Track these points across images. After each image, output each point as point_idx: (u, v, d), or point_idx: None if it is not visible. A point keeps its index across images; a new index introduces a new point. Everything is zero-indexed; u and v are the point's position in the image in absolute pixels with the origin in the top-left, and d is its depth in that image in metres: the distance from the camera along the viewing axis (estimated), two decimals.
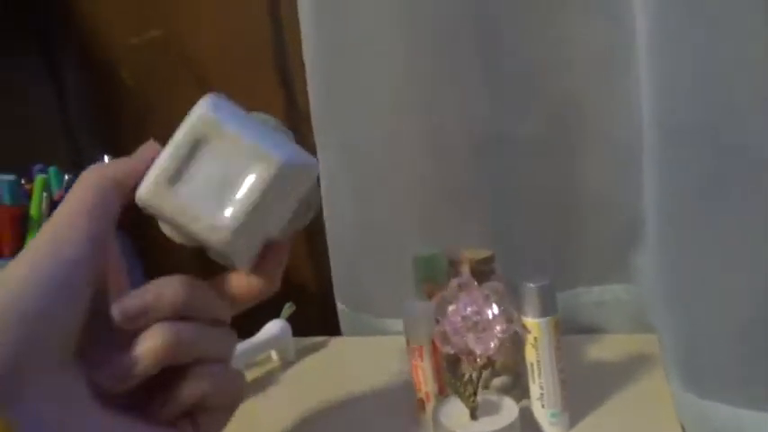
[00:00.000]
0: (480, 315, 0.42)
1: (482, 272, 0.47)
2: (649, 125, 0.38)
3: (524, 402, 0.45)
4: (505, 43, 0.54)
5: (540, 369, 0.42)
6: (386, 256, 0.61)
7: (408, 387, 0.48)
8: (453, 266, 0.49)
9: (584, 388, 0.47)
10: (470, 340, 0.41)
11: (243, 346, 0.59)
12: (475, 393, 0.42)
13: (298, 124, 0.74)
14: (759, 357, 0.35)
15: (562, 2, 0.52)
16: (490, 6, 0.53)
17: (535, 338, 0.42)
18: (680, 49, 0.34)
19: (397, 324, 0.50)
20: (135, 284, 0.32)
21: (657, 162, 0.38)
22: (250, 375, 0.63)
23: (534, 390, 0.43)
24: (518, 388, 0.47)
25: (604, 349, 0.56)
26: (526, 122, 0.56)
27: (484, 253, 0.49)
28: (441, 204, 0.60)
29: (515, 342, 0.47)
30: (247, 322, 0.61)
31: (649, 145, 0.39)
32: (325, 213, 0.67)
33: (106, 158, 0.67)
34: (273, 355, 0.64)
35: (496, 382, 0.48)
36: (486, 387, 0.48)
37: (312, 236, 0.76)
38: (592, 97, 0.54)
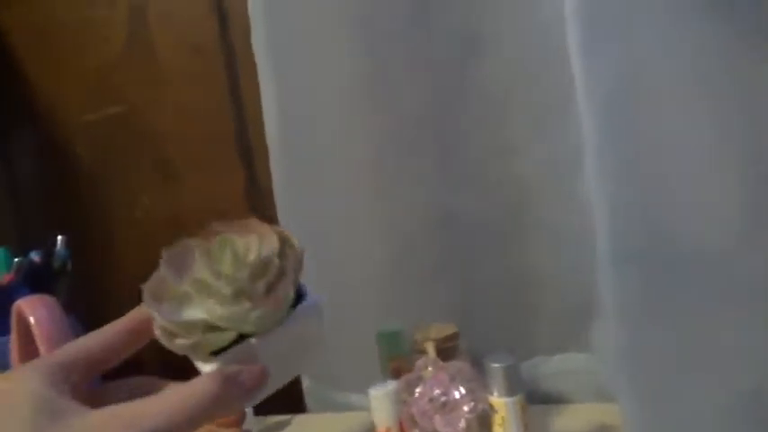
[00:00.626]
0: (447, 396, 0.42)
1: (447, 349, 0.48)
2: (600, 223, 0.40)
3: None
4: (462, 130, 0.57)
5: None
6: (350, 332, 0.61)
7: None
8: (418, 345, 0.49)
9: None
10: (438, 422, 0.41)
11: None
12: None
13: (259, 201, 0.74)
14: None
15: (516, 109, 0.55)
16: (451, 100, 0.56)
17: (502, 418, 0.42)
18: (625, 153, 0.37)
19: (363, 399, 0.49)
20: None
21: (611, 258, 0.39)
22: None
23: None
24: None
25: (566, 420, 0.56)
26: (480, 204, 0.59)
27: (448, 330, 0.50)
28: (401, 281, 0.61)
29: (481, 417, 0.47)
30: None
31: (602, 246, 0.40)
32: None
33: (59, 239, 0.66)
34: None
35: None
36: None
37: None
38: (543, 185, 0.57)
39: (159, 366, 0.78)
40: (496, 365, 0.42)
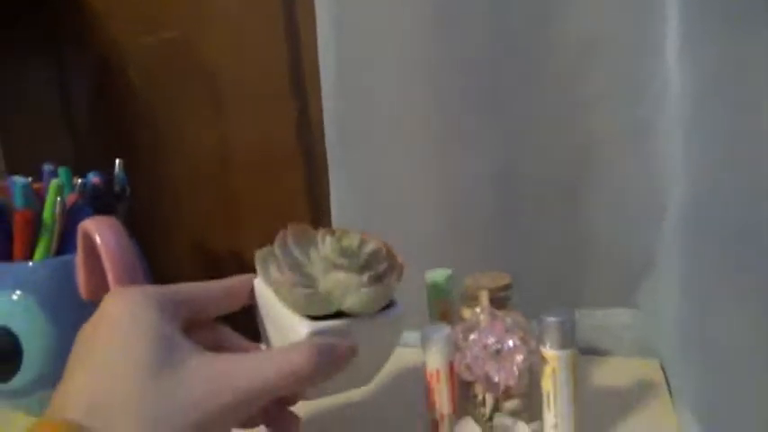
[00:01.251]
0: (501, 344, 0.43)
1: (499, 299, 0.48)
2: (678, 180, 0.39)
3: (534, 426, 0.46)
4: (529, 82, 0.55)
5: (555, 399, 0.43)
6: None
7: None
8: (469, 292, 0.50)
9: (591, 412, 0.49)
10: (491, 369, 0.43)
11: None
12: (491, 417, 0.44)
13: (309, 135, 0.75)
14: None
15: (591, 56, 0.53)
16: (519, 49, 0.54)
17: (553, 370, 0.43)
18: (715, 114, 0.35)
19: (413, 336, 0.50)
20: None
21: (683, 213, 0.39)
22: None
23: (549, 418, 0.44)
24: (528, 411, 0.49)
25: (608, 372, 0.58)
26: (542, 159, 0.58)
27: (501, 279, 0.50)
28: (455, 231, 0.61)
29: (528, 367, 0.48)
30: (249, 323, 0.61)
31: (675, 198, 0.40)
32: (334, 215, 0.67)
33: (117, 162, 0.67)
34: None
35: (508, 405, 0.49)
36: (497, 409, 0.49)
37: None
38: (610, 142, 0.55)
39: None
40: (552, 319, 0.43)
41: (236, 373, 0.32)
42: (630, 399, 0.52)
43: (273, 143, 0.77)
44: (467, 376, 0.43)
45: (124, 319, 0.33)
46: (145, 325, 0.32)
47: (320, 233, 0.45)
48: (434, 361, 0.47)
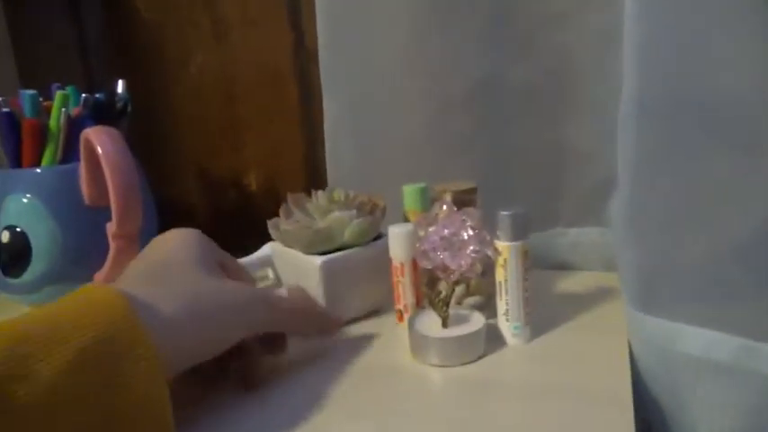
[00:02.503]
0: (457, 236, 0.46)
1: (463, 201, 0.51)
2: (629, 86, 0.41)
3: (494, 321, 0.50)
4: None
5: (506, 287, 0.47)
6: (381, 190, 0.65)
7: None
8: (435, 195, 0.53)
9: (549, 312, 0.53)
10: (446, 258, 0.46)
11: (243, 260, 0.64)
12: (447, 305, 0.47)
13: (305, 61, 0.78)
14: (703, 282, 0.39)
15: None
16: None
17: (504, 260, 0.46)
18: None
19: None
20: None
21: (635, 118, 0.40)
22: None
23: (501, 306, 0.48)
24: (489, 308, 0.52)
25: (572, 283, 0.61)
26: (521, 72, 0.60)
27: (467, 185, 0.53)
28: (434, 144, 0.64)
29: (489, 267, 0.52)
30: (245, 242, 0.66)
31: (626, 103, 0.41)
32: (327, 153, 0.71)
33: (120, 83, 0.71)
34: (270, 273, 0.70)
35: (470, 301, 0.53)
36: (459, 304, 0.53)
37: (316, 170, 0.81)
38: (587, 56, 0.57)
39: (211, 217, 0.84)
40: (505, 213, 0.46)
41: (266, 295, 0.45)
42: (587, 302, 0.55)
43: (272, 69, 0.81)
44: (425, 264, 0.47)
45: (190, 238, 0.44)
46: (204, 247, 0.44)
47: (314, 194, 0.57)
48: (398, 255, 0.51)
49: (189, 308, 0.36)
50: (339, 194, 0.55)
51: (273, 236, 0.56)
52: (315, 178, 0.82)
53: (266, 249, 0.66)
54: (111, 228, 0.57)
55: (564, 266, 0.66)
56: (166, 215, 0.79)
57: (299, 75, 0.79)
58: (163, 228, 0.77)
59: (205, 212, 0.90)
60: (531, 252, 0.47)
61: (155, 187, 0.72)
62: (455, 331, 0.46)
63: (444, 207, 0.47)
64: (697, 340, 0.39)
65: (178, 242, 0.43)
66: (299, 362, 0.49)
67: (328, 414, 0.40)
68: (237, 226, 0.87)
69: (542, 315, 0.51)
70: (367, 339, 0.52)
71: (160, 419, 0.32)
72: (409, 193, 0.57)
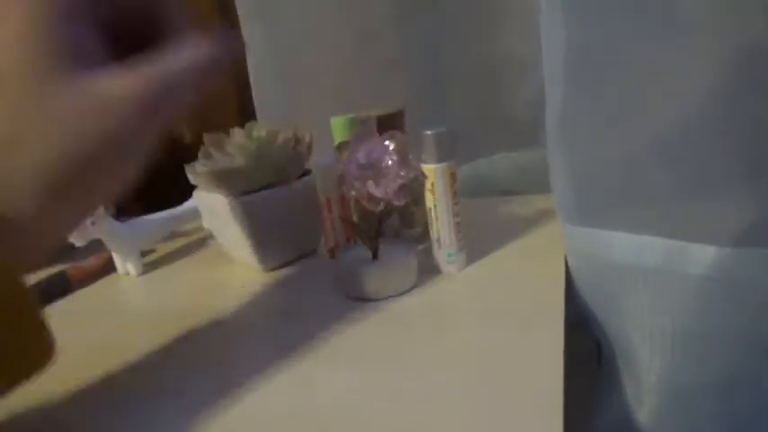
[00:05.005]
0: (381, 162, 0.43)
1: (390, 126, 0.48)
2: None
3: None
4: None
5: (436, 213, 0.44)
6: (308, 122, 0.62)
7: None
8: (361, 122, 0.50)
9: (486, 238, 0.51)
10: (370, 186, 0.43)
11: (171, 213, 0.61)
12: (376, 236, 0.45)
13: (225, 3, 0.72)
14: (631, 187, 0.37)
15: None
16: None
17: (432, 184, 0.44)
18: None
19: None
20: None
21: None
22: (180, 243, 0.66)
23: (433, 233, 0.46)
24: (427, 239, 0.50)
25: (513, 208, 0.59)
26: None
27: (392, 108, 0.50)
28: (361, 69, 0.60)
29: (412, 183, 0.49)
30: (183, 199, 0.62)
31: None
32: (254, 95, 0.67)
33: None
34: (204, 223, 0.66)
35: (407, 233, 0.51)
36: (398, 236, 0.51)
37: (253, 115, 0.77)
38: None
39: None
40: (428, 132, 0.43)
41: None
42: (526, 225, 0.53)
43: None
44: (349, 194, 0.44)
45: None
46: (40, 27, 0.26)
47: (232, 132, 0.52)
48: (324, 189, 0.48)
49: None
50: (259, 130, 0.52)
51: (192, 180, 0.52)
52: (242, 107, 0.77)
53: (192, 200, 0.63)
54: None
55: (511, 192, 0.64)
56: None
57: (222, 11, 0.74)
58: None
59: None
60: (474, 180, 0.45)
61: None
62: (385, 263, 0.44)
63: (364, 131, 0.44)
64: (627, 247, 0.37)
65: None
66: (227, 309, 0.46)
67: (259, 359, 0.38)
68: (173, 179, 0.83)
69: (479, 242, 0.49)
70: (297, 281, 0.49)
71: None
72: (337, 124, 0.54)
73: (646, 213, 0.36)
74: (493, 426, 0.28)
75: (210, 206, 0.52)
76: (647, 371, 0.37)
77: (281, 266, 0.53)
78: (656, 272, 0.35)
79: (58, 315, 0.51)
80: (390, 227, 0.50)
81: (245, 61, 0.67)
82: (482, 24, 0.59)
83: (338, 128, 0.54)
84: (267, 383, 0.35)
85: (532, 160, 0.63)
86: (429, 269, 0.46)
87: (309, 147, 0.53)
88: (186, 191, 0.63)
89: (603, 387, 0.45)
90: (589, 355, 0.49)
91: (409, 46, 0.60)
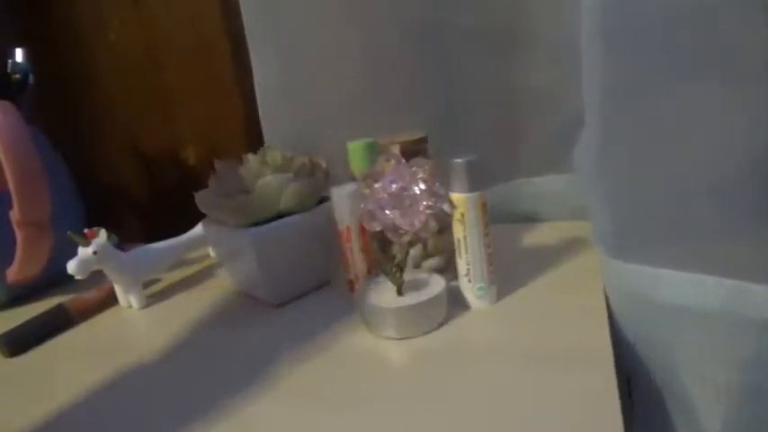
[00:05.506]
0: (407, 191, 0.41)
1: (414, 152, 0.46)
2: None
3: (456, 283, 0.45)
4: None
5: (466, 245, 0.42)
6: (322, 149, 0.59)
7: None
8: (383, 149, 0.47)
9: (515, 269, 0.48)
10: (396, 217, 0.40)
11: (177, 241, 0.58)
12: (401, 270, 0.42)
13: (231, 21, 0.70)
14: (679, 223, 0.35)
15: None
16: None
17: (462, 214, 0.41)
18: None
19: None
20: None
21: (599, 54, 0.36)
22: (187, 272, 0.62)
23: (461, 266, 0.43)
24: (450, 269, 0.47)
25: (540, 236, 0.56)
26: (469, 14, 0.54)
27: (416, 134, 0.48)
28: (379, 96, 0.58)
29: (446, 224, 0.46)
30: (188, 221, 0.59)
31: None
32: (262, 117, 0.64)
33: (18, 51, 0.62)
34: (211, 251, 0.63)
35: (429, 263, 0.48)
36: (417, 267, 0.48)
37: (260, 138, 0.74)
38: None
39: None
40: (458, 160, 0.41)
41: None
42: (557, 255, 0.50)
43: (198, 29, 0.73)
44: (373, 225, 0.41)
45: None
46: None
47: (245, 158, 0.50)
48: (343, 218, 0.45)
49: None
50: (274, 156, 0.49)
51: (202, 208, 0.49)
52: (259, 147, 0.75)
53: (199, 228, 0.60)
54: (14, 215, 0.50)
55: (529, 219, 0.61)
56: (102, 199, 0.71)
57: (229, 34, 0.71)
58: (92, 213, 0.70)
59: (142, 193, 0.82)
60: (494, 206, 0.42)
61: (86, 171, 0.64)
62: (412, 298, 0.41)
63: (391, 160, 0.41)
64: (678, 285, 0.34)
65: None
66: (247, 348, 0.43)
67: (270, 405, 0.35)
68: (178, 204, 0.80)
69: (508, 273, 0.46)
70: (316, 316, 0.46)
71: None
72: (355, 150, 0.51)
73: (701, 252, 0.33)
74: None
75: (219, 236, 0.49)
76: (709, 421, 0.34)
77: (294, 299, 0.49)
78: (713, 314, 0.33)
79: (56, 350, 0.48)
80: (411, 257, 0.47)
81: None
82: (502, 52, 0.57)
83: (356, 153, 0.51)
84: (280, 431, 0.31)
85: (554, 186, 0.60)
86: (457, 304, 0.43)
87: (326, 174, 0.50)
88: (192, 215, 0.60)
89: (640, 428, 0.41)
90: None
91: (425, 72, 0.58)
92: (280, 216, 0.47)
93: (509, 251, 0.53)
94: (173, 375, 0.40)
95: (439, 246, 0.48)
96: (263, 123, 0.64)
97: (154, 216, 0.81)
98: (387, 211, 0.40)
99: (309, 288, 0.50)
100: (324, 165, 0.50)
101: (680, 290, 0.34)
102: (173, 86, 0.76)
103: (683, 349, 0.35)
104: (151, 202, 0.82)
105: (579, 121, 0.53)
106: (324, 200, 0.50)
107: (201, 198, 0.48)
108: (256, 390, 0.37)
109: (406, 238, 0.41)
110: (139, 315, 0.53)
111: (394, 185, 0.41)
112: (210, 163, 0.82)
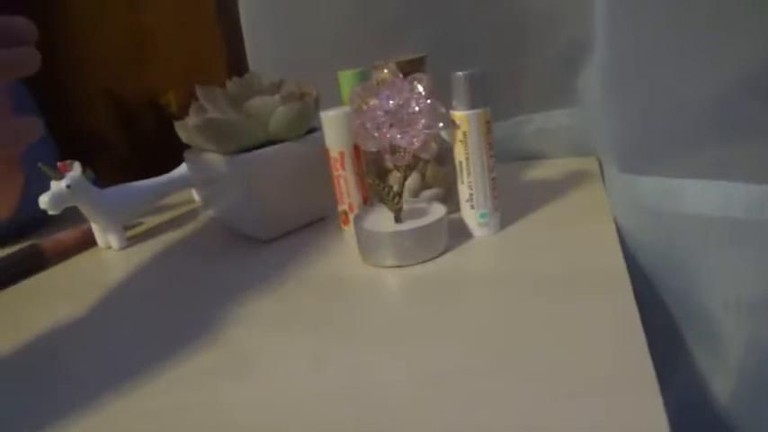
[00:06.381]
0: (405, 108, 0.37)
1: (411, 73, 0.42)
2: None
3: (457, 215, 0.42)
4: None
5: (468, 167, 0.39)
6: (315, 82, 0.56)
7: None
8: (377, 72, 0.44)
9: (519, 202, 0.45)
10: (394, 135, 0.37)
11: (158, 180, 0.54)
12: (399, 195, 0.39)
13: None
14: (694, 130, 0.32)
15: None
16: None
17: (464, 133, 0.38)
18: None
19: None
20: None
21: None
22: (170, 214, 0.59)
23: (463, 191, 0.40)
24: (451, 202, 0.44)
25: (543, 172, 0.54)
26: None
27: (414, 55, 0.44)
28: (371, 25, 0.54)
29: (446, 152, 0.43)
30: (167, 169, 0.56)
31: None
32: (248, 48, 0.60)
33: None
34: (195, 194, 0.60)
35: (427, 193, 0.45)
36: (415, 198, 0.45)
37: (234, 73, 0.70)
38: None
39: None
40: (460, 74, 0.37)
41: None
42: (562, 187, 0.48)
43: None
44: (368, 146, 0.38)
45: None
46: None
47: (228, 82, 0.45)
48: (335, 143, 0.42)
49: None
50: (260, 80, 0.45)
51: (183, 137, 0.45)
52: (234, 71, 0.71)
53: (183, 167, 0.56)
54: None
55: (531, 157, 0.58)
56: (79, 148, 0.67)
57: None
58: (66, 155, 0.66)
59: (120, 141, 0.78)
60: (497, 143, 0.39)
61: (63, 117, 0.61)
62: (411, 224, 0.38)
63: (385, 70, 0.38)
64: (701, 195, 0.32)
65: None
66: (234, 283, 0.40)
67: (265, 337, 0.32)
68: (161, 154, 0.76)
69: (512, 205, 0.44)
70: (308, 250, 0.43)
71: None
72: (346, 79, 0.48)
73: (727, 155, 0.30)
74: (581, 408, 0.22)
75: (203, 167, 0.46)
76: (730, 343, 0.32)
77: (283, 236, 0.46)
78: (743, 223, 0.30)
79: (28, 292, 0.45)
80: (408, 188, 0.45)
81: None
82: None
83: (347, 82, 0.48)
84: (276, 363, 0.29)
85: (557, 122, 0.57)
86: (458, 234, 0.41)
87: (317, 101, 0.47)
88: (176, 165, 0.57)
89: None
90: None
91: (417, 2, 0.54)
92: (268, 144, 0.44)
93: (512, 186, 0.50)
94: (157, 312, 0.38)
95: (438, 176, 0.45)
96: (249, 57, 0.60)
97: (133, 167, 0.78)
98: (384, 130, 0.37)
99: (301, 225, 0.47)
100: (314, 93, 0.47)
101: (700, 199, 0.31)
102: (152, 27, 0.72)
103: (703, 266, 0.32)
104: (131, 153, 0.78)
105: (581, 51, 0.50)
106: (315, 130, 0.47)
107: (182, 126, 0.44)
108: (246, 323, 0.34)
109: (405, 160, 0.38)
110: (120, 255, 0.50)
111: (391, 102, 0.37)
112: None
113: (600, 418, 0.22)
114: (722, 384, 0.33)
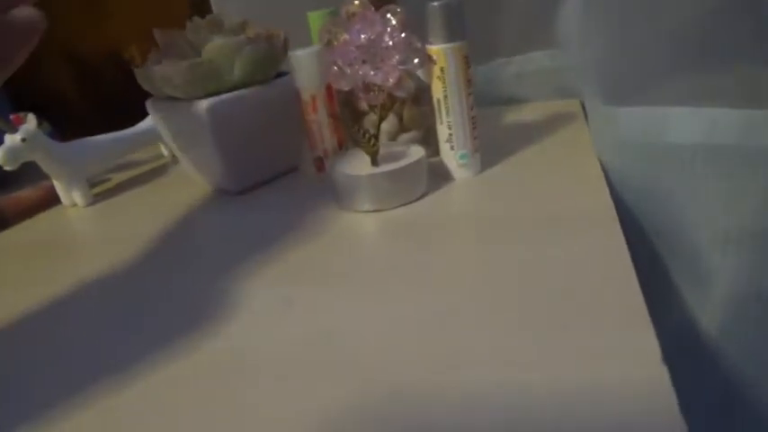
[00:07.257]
0: (378, 43, 0.35)
1: (383, 5, 0.40)
2: None
3: (436, 159, 0.40)
4: None
5: (447, 105, 0.37)
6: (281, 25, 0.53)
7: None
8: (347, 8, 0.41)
9: (499, 144, 0.43)
10: (367, 72, 0.35)
11: (123, 133, 0.52)
12: (376, 137, 0.37)
13: None
14: (677, 57, 0.30)
15: None
16: None
17: (441, 69, 0.36)
18: None
19: None
20: None
21: None
22: (136, 171, 0.57)
23: (442, 131, 0.38)
24: (429, 145, 0.43)
25: (524, 114, 0.52)
26: None
27: None
28: None
29: (423, 92, 0.42)
30: (138, 118, 0.53)
31: None
32: None
33: None
34: (163, 149, 0.57)
35: (405, 136, 0.43)
36: (393, 141, 0.43)
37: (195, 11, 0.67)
38: None
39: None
40: (435, 4, 0.35)
41: None
42: (543, 129, 0.46)
43: None
44: (340, 84, 0.36)
45: None
46: None
47: (189, 24, 0.43)
48: (307, 85, 0.40)
49: None
50: (222, 21, 0.43)
51: (145, 86, 0.43)
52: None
53: (149, 120, 0.54)
54: None
55: (512, 101, 0.56)
56: (35, 100, 0.64)
57: None
58: (19, 109, 0.63)
59: (80, 99, 0.75)
60: (474, 84, 0.37)
61: (27, 74, 0.57)
62: (388, 167, 0.36)
63: (356, 2, 0.36)
64: (690, 123, 0.30)
65: None
66: (206, 235, 0.38)
67: (235, 287, 0.31)
68: (129, 111, 0.73)
69: (492, 148, 0.42)
70: (281, 199, 0.41)
71: None
72: (315, 20, 0.45)
73: (711, 82, 0.29)
74: (580, 345, 0.21)
75: (167, 117, 0.43)
76: (717, 275, 0.31)
77: (254, 187, 0.44)
78: (730, 150, 0.29)
79: None
80: (385, 132, 0.43)
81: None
82: None
83: (317, 23, 0.45)
84: (249, 314, 0.27)
85: (537, 64, 0.55)
86: (437, 178, 0.39)
87: (285, 44, 0.44)
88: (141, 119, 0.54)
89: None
90: None
91: None
92: (235, 89, 0.41)
93: (492, 130, 0.48)
94: (126, 269, 0.36)
95: (416, 117, 0.43)
96: (212, 4, 0.57)
97: (98, 124, 0.75)
98: (356, 67, 0.35)
99: (272, 175, 0.45)
100: (282, 34, 0.44)
101: (685, 127, 0.30)
102: None
103: (688, 197, 0.31)
104: (93, 109, 0.75)
105: None
106: (284, 74, 0.44)
107: (142, 73, 0.42)
108: (220, 275, 0.32)
109: (380, 98, 0.36)
110: (85, 212, 0.47)
111: (363, 36, 0.35)
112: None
113: (596, 344, 0.21)
114: (710, 318, 0.32)
